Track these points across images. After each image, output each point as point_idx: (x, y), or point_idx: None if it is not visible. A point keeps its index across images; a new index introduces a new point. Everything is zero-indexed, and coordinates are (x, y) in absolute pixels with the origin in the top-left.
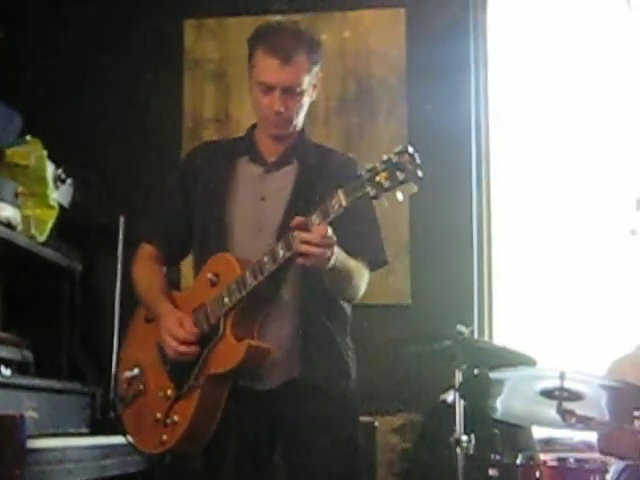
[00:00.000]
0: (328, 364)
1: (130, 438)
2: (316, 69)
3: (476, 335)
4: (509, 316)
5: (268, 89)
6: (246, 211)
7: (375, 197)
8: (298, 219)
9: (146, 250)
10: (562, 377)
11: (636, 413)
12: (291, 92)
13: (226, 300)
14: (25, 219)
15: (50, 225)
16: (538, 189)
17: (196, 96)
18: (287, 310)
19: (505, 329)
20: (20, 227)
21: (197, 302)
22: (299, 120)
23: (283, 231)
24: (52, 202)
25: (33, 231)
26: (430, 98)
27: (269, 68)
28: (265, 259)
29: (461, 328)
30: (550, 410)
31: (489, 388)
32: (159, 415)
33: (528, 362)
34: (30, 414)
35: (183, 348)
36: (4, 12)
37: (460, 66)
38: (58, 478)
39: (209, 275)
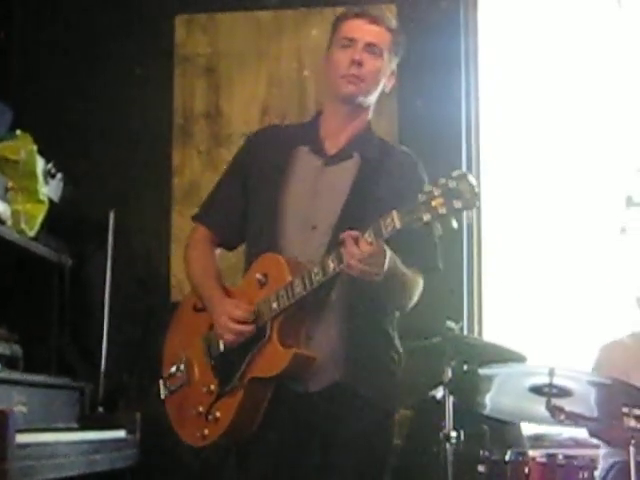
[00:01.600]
0: (371, 370)
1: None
2: (395, 59)
3: (465, 331)
4: (498, 312)
5: (350, 42)
6: (300, 206)
7: (428, 223)
8: (348, 234)
9: (200, 232)
10: (551, 373)
11: (625, 409)
12: (373, 49)
13: (274, 305)
14: (15, 214)
15: (40, 220)
16: (528, 186)
17: (186, 91)
18: (334, 312)
19: (494, 325)
20: (10, 222)
21: (244, 300)
22: (371, 97)
23: (338, 230)
24: (42, 197)
25: (23, 226)
26: (420, 94)
27: (355, 25)
28: (315, 270)
29: (450, 324)
30: (539, 406)
31: (478, 384)
32: (201, 409)
33: (517, 358)
34: (19, 409)
35: (241, 327)
36: None
37: (451, 62)
38: (47, 473)
39: (258, 275)
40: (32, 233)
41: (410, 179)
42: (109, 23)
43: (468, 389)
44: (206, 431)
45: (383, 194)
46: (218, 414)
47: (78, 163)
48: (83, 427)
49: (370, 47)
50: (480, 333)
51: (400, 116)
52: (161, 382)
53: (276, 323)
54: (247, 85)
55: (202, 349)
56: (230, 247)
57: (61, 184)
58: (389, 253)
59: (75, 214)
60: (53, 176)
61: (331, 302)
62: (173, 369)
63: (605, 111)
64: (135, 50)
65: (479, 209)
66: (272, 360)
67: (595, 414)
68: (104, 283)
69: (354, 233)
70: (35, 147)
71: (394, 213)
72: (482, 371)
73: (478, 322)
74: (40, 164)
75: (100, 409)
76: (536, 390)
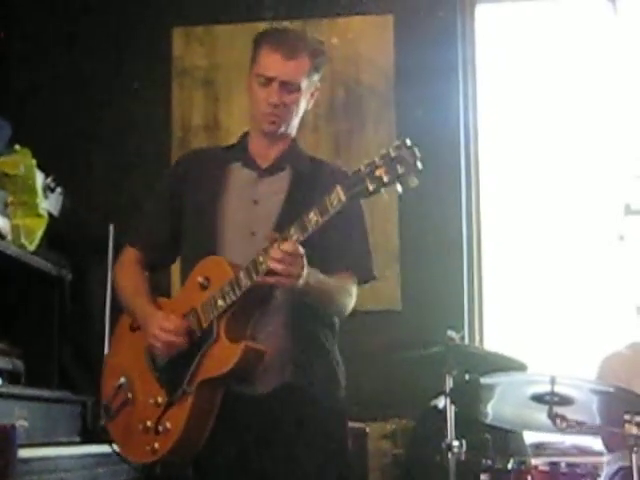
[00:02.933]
0: (319, 370)
1: (117, 448)
2: (316, 77)
3: (467, 340)
4: (499, 321)
5: (267, 81)
6: (238, 215)
7: (374, 192)
8: (271, 233)
9: (130, 254)
10: (553, 382)
11: (627, 417)
12: (289, 87)
13: (220, 302)
14: (15, 228)
15: (40, 234)
16: (527, 194)
17: (185, 104)
18: (279, 312)
19: (495, 334)
20: (10, 236)
21: (187, 306)
22: (293, 124)
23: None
24: (41, 211)
25: (23, 240)
26: (419, 104)
27: (271, 61)
28: (260, 259)
29: (452, 334)
30: (541, 415)
31: (480, 393)
32: (149, 423)
33: (519, 367)
34: (21, 423)
35: (173, 337)
36: None
37: (448, 71)
38: None
39: (199, 279)
40: (32, 247)
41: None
42: (107, 37)
43: (470, 398)
44: (156, 445)
45: (315, 201)
46: (168, 425)
47: (77, 177)
48: (85, 441)
49: (287, 85)
50: (481, 342)
51: (399, 126)
52: (102, 409)
53: (222, 322)
54: (245, 97)
55: (145, 364)
56: (160, 267)
57: (60, 198)
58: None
59: (75, 228)
60: (52, 190)
61: (276, 302)
62: (112, 392)
63: (603, 119)
64: (133, 63)
65: (479, 216)
66: (222, 357)
67: (597, 422)
68: (104, 296)
69: (275, 234)
70: (34, 162)
71: (338, 188)
72: (483, 380)
73: (479, 331)
74: (39, 179)
75: (102, 422)
76: (538, 398)
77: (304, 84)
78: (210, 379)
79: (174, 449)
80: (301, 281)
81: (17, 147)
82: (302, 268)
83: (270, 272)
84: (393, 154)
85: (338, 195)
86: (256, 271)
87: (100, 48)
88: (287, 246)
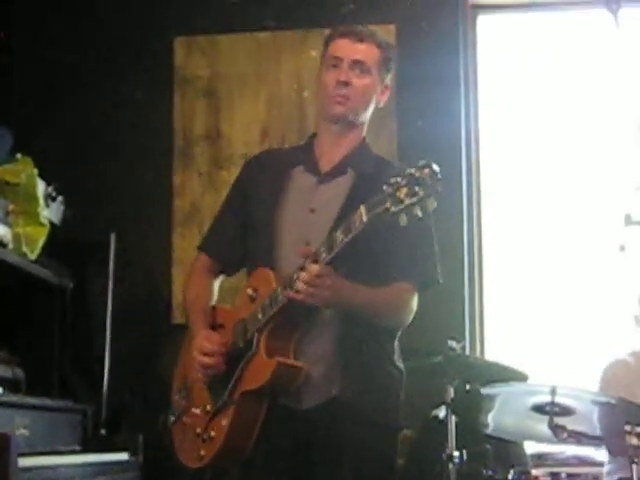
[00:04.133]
0: (370, 384)
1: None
2: (387, 73)
3: (467, 351)
4: (500, 331)
5: (337, 61)
6: (294, 223)
7: (395, 214)
8: (302, 248)
9: (201, 260)
10: (553, 392)
11: (627, 428)
12: (359, 67)
13: (259, 316)
14: (16, 237)
15: (41, 243)
16: (529, 204)
17: (186, 113)
18: (328, 326)
19: (496, 344)
20: (11, 245)
21: (238, 317)
22: (362, 115)
23: None
24: (43, 220)
25: (24, 249)
26: (420, 114)
27: (341, 44)
28: (295, 276)
29: (452, 344)
30: (542, 425)
31: (481, 404)
32: (199, 430)
33: (519, 377)
34: (21, 432)
35: (207, 359)
36: None
37: (450, 82)
38: None
39: (249, 291)
40: (33, 256)
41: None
42: (108, 46)
43: (470, 408)
44: (202, 452)
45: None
46: (212, 433)
47: (79, 186)
48: (86, 450)
49: (356, 65)
50: (482, 352)
51: (399, 136)
52: (170, 412)
53: (263, 335)
54: (247, 107)
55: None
56: (231, 272)
57: (62, 207)
58: (338, 279)
59: (76, 236)
60: (54, 199)
61: (325, 316)
62: (177, 395)
63: (604, 129)
64: (135, 73)
65: (480, 227)
66: (258, 371)
67: (598, 432)
68: (105, 305)
69: (306, 248)
70: (36, 170)
71: (362, 207)
72: (484, 390)
73: (480, 341)
74: (41, 187)
75: (102, 431)
76: (538, 409)
77: (375, 71)
78: (249, 391)
79: (218, 457)
80: (332, 299)
81: (18, 156)
82: (328, 288)
83: (296, 291)
84: (417, 174)
85: (361, 215)
86: (290, 287)
87: (102, 58)
88: (314, 269)
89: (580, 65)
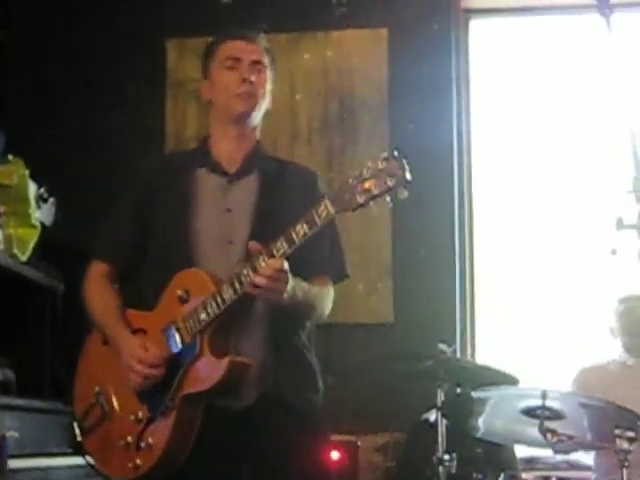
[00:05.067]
0: (298, 378)
1: (95, 464)
2: (271, 74)
3: (458, 354)
4: (491, 335)
5: (235, 63)
6: (213, 224)
7: (363, 205)
8: (254, 245)
9: (98, 269)
10: (544, 396)
11: (617, 432)
12: (257, 66)
13: (203, 316)
14: (7, 238)
15: (32, 244)
16: (521, 208)
17: (178, 115)
18: (259, 324)
19: (487, 348)
20: (2, 246)
21: (166, 320)
22: (258, 116)
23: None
24: (34, 221)
25: (15, 250)
26: (412, 118)
27: (237, 46)
28: (245, 272)
29: (443, 347)
30: (532, 429)
31: (471, 407)
32: (130, 439)
33: (510, 381)
34: (12, 434)
35: (151, 371)
36: None
37: (442, 85)
38: None
39: (178, 292)
40: (24, 257)
41: (312, 190)
42: (102, 47)
43: (461, 412)
44: (138, 461)
45: (288, 204)
46: (151, 440)
47: (70, 187)
48: (76, 452)
49: (255, 65)
50: (473, 356)
51: (392, 139)
52: (75, 424)
53: (205, 336)
54: None
55: (120, 378)
56: (125, 278)
57: (53, 208)
58: (291, 277)
59: (67, 238)
60: (45, 200)
61: (255, 314)
62: (86, 408)
63: (596, 132)
64: (127, 75)
65: (472, 231)
66: (207, 372)
67: (588, 436)
68: None
69: (257, 245)
70: (27, 172)
71: (326, 200)
72: (475, 394)
73: (471, 345)
74: (32, 189)
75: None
76: (529, 412)
77: (267, 70)
78: (194, 394)
79: (157, 465)
80: (285, 295)
81: (10, 157)
82: (286, 283)
83: (255, 285)
84: (381, 166)
85: (327, 208)
86: (240, 284)
87: (94, 59)
88: (275, 263)
89: (572, 69)
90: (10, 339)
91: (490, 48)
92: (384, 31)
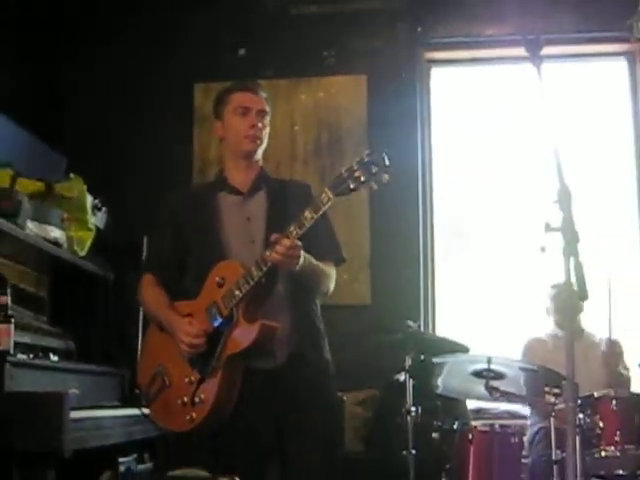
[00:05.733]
0: (315, 341)
1: (159, 423)
2: (267, 118)
3: (422, 329)
4: (448, 313)
5: (246, 111)
6: (237, 230)
7: (355, 189)
8: (274, 236)
9: (147, 278)
10: (489, 361)
11: (546, 389)
12: (262, 114)
13: (237, 292)
14: (69, 239)
15: (88, 243)
16: (470, 215)
17: (203, 143)
18: (282, 301)
19: (445, 324)
20: (65, 245)
21: (208, 302)
22: (261, 150)
23: (267, 241)
24: (90, 225)
25: (75, 248)
26: (386, 144)
27: (247, 97)
28: (267, 253)
29: (410, 323)
30: (480, 387)
31: (432, 370)
32: (186, 398)
33: (462, 349)
34: (73, 391)
35: (196, 340)
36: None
37: (409, 119)
38: (95, 442)
39: (217, 279)
40: (82, 253)
41: (308, 196)
42: (144, 89)
43: (424, 374)
44: (193, 414)
45: (291, 210)
46: (202, 396)
47: (119, 199)
48: (123, 405)
49: (261, 113)
50: (433, 330)
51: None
52: (142, 395)
53: (240, 309)
54: None
55: (176, 352)
56: (169, 285)
57: (105, 216)
58: (302, 251)
59: (116, 239)
60: (99, 209)
61: (278, 292)
62: (149, 383)
63: (531, 156)
64: (165, 110)
65: (432, 234)
66: (243, 335)
67: (523, 392)
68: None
69: (277, 235)
70: (85, 187)
71: (326, 189)
72: (435, 360)
73: (432, 321)
74: (89, 200)
75: (136, 391)
76: (477, 374)
77: (266, 116)
78: (235, 354)
79: (208, 416)
80: (300, 263)
81: (72, 175)
82: (299, 256)
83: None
84: (366, 159)
85: (327, 195)
86: (264, 263)
87: (137, 98)
88: (287, 242)
89: (512, 105)
90: (71, 317)
91: (447, 90)
92: (364, 77)
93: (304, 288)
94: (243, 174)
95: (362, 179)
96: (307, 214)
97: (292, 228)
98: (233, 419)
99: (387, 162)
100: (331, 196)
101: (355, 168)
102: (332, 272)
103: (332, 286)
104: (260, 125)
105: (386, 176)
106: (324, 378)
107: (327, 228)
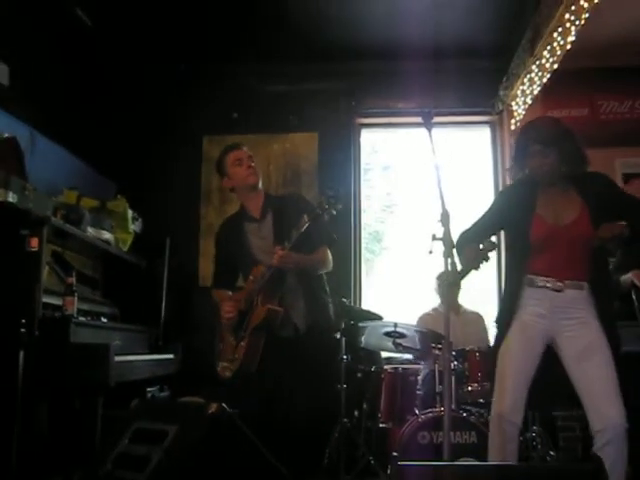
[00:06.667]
0: (325, 319)
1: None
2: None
3: (352, 303)
4: (369, 294)
5: (240, 161)
6: (259, 246)
7: (320, 215)
8: (276, 248)
9: (217, 295)
10: (395, 326)
11: (432, 345)
12: (250, 159)
13: (256, 286)
14: (116, 239)
15: (129, 243)
16: (388, 227)
17: (208, 176)
18: (296, 287)
19: (367, 301)
20: (113, 243)
21: (246, 292)
22: (260, 182)
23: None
24: (130, 230)
25: (120, 245)
26: (330, 181)
27: (237, 153)
28: (272, 261)
29: (345, 300)
30: (389, 343)
31: (358, 331)
32: (229, 356)
33: (378, 318)
34: (116, 343)
35: (229, 315)
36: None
37: (346, 165)
38: (130, 375)
39: (251, 277)
40: (125, 249)
41: (304, 204)
42: (168, 138)
43: (353, 334)
44: (231, 366)
45: (290, 218)
46: (236, 355)
47: (150, 213)
48: (151, 352)
49: (249, 158)
50: (360, 304)
51: (319, 191)
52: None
53: (260, 295)
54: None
55: (226, 326)
56: (228, 286)
57: (140, 224)
58: (295, 254)
59: (147, 239)
60: (137, 220)
61: (293, 282)
62: (220, 346)
63: (424, 190)
64: (182, 155)
65: (360, 240)
66: (258, 314)
67: (418, 347)
68: (162, 276)
69: (278, 249)
70: (127, 204)
71: (304, 215)
72: (360, 324)
73: (359, 298)
74: (130, 213)
75: (160, 343)
76: (387, 334)
77: (251, 160)
78: (255, 327)
79: (241, 368)
80: (292, 265)
81: (119, 196)
82: (291, 261)
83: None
84: (330, 193)
85: (305, 219)
86: (269, 267)
87: (165, 144)
88: (281, 252)
89: (413, 156)
90: (117, 293)
91: (371, 145)
92: (316, 134)
93: (310, 276)
94: (254, 202)
95: (327, 208)
96: (294, 232)
97: (285, 243)
98: (259, 373)
99: (341, 197)
100: (307, 220)
101: (321, 200)
102: (326, 254)
103: (330, 264)
104: (252, 165)
105: (339, 206)
106: (332, 339)
107: (320, 224)
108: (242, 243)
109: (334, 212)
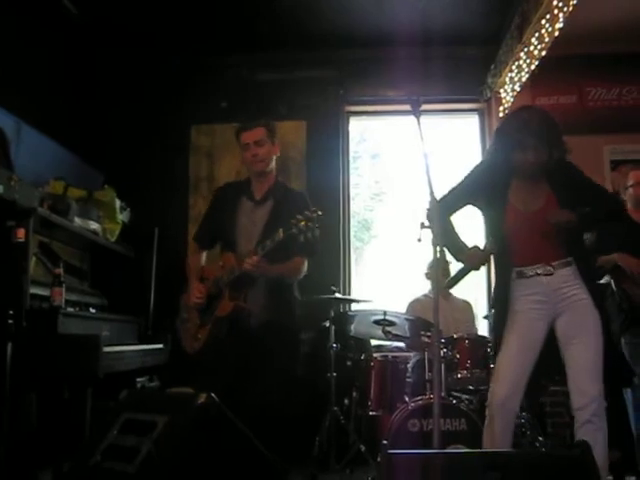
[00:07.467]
0: (288, 313)
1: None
2: (273, 137)
3: (341, 292)
4: (358, 283)
5: (247, 146)
6: (245, 232)
7: (297, 235)
8: (251, 252)
9: (193, 245)
10: (385, 314)
11: (422, 332)
12: (259, 143)
13: (225, 278)
14: (103, 230)
15: (117, 233)
16: (378, 216)
17: (196, 165)
18: (262, 286)
19: (356, 289)
20: (101, 234)
21: (214, 275)
22: (271, 165)
23: (261, 242)
24: (118, 220)
25: (107, 236)
26: (318, 169)
27: (246, 135)
28: (245, 260)
29: (333, 288)
30: (378, 331)
31: (348, 319)
32: (193, 333)
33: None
34: (105, 333)
35: (198, 300)
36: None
37: (334, 153)
38: (120, 367)
39: (220, 263)
40: (113, 239)
41: (304, 203)
42: (158, 128)
43: (343, 322)
44: (195, 344)
45: (286, 216)
46: (199, 335)
47: (138, 203)
48: (140, 342)
49: (258, 142)
50: (349, 293)
51: (308, 180)
52: (178, 317)
53: (227, 288)
54: (228, 162)
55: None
56: (208, 249)
57: (128, 213)
58: (265, 264)
59: (135, 230)
60: (124, 209)
61: (259, 281)
62: (182, 312)
63: (413, 179)
64: (171, 144)
65: (349, 230)
66: (225, 307)
67: (408, 334)
68: (151, 266)
69: (251, 254)
70: (115, 194)
71: (280, 230)
72: (349, 312)
73: (348, 287)
74: (117, 203)
75: (149, 332)
76: (377, 322)
77: (267, 140)
78: (219, 316)
79: (203, 347)
80: (260, 272)
81: (106, 186)
82: (261, 268)
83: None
84: (310, 215)
85: (280, 234)
86: (239, 268)
87: (154, 134)
88: (252, 260)
89: (402, 144)
90: (106, 283)
91: (360, 133)
92: (304, 123)
93: (277, 280)
94: (260, 185)
95: (303, 229)
96: (268, 242)
97: (259, 249)
98: (219, 354)
99: (319, 217)
100: (281, 236)
101: (300, 219)
102: (299, 265)
103: (302, 274)
104: (259, 152)
105: (318, 231)
106: (292, 333)
107: (304, 236)
108: (230, 217)
109: (309, 235)
